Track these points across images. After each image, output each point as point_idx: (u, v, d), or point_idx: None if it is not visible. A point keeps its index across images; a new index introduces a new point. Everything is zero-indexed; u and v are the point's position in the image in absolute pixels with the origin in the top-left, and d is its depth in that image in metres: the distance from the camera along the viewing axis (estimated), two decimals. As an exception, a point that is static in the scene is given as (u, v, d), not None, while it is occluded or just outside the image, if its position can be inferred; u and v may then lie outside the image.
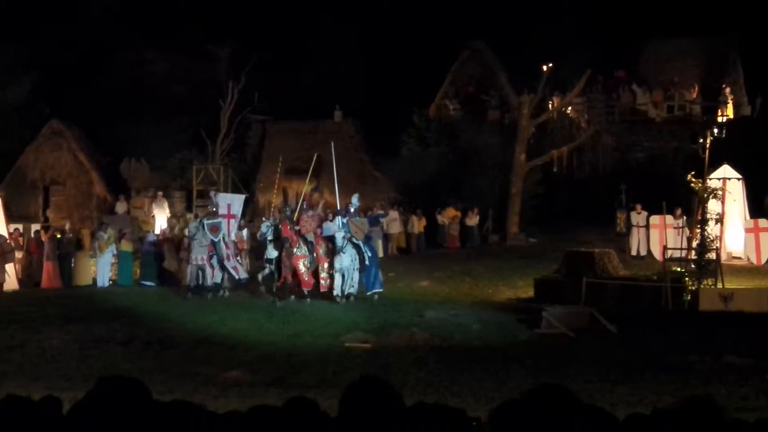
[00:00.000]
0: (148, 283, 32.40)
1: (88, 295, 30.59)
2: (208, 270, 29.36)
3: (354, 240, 28.65)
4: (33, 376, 19.61)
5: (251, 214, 40.32)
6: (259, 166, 45.82)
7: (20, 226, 36.13)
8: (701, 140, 31.34)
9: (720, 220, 30.50)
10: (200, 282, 29.44)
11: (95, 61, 46.15)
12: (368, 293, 28.92)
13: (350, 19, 49.30)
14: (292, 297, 28.37)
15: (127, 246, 33.56)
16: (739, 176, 34.45)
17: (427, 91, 48.29)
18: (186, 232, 31.10)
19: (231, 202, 32.53)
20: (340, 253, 28.17)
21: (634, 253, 36.11)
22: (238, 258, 30.63)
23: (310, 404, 5.28)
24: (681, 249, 30.92)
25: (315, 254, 28.63)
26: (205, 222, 30.02)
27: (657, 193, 34.46)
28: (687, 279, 28.04)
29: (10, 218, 35.41)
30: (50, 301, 29.08)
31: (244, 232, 33.68)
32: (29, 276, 33.65)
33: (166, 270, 32.84)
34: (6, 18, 44.34)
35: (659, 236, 34.41)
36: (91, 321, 25.37)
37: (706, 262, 28.69)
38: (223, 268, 29.75)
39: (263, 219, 31.85)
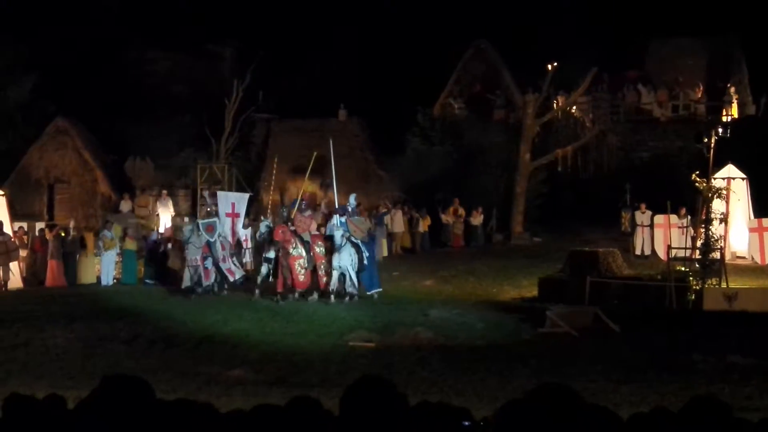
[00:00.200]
0: (149, 282, 32.47)
1: (93, 293, 30.59)
2: (201, 271, 29.25)
3: (353, 239, 28.59)
4: (37, 375, 19.66)
5: (255, 213, 40.34)
6: (263, 164, 45.80)
7: (25, 225, 36.16)
8: (706, 140, 31.35)
9: (724, 219, 30.45)
10: (195, 282, 29.31)
11: (100, 60, 46.19)
12: (368, 293, 28.86)
13: (355, 18, 49.31)
14: (293, 296, 28.28)
15: (131, 244, 33.58)
16: (744, 176, 34.41)
17: (432, 90, 48.27)
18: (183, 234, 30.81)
19: (235, 201, 32.54)
20: (338, 252, 28.13)
21: (638, 252, 36.07)
22: (234, 259, 30.50)
23: (313, 403, 5.28)
24: (685, 248, 30.90)
25: (312, 253, 28.57)
26: (200, 223, 29.94)
27: (661, 193, 34.44)
28: (691, 278, 28.03)
29: (14, 217, 35.44)
30: (54, 299, 29.09)
31: (248, 231, 33.67)
32: (34, 274, 33.69)
33: (170, 269, 32.82)
34: (9, 17, 44.37)
35: (663, 236, 34.39)
36: (95, 319, 25.39)
37: (710, 262, 28.68)
38: (218, 269, 29.64)
39: (261, 219, 31.82)
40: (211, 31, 46.46)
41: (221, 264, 29.58)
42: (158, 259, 33.18)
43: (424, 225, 39.87)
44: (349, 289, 28.31)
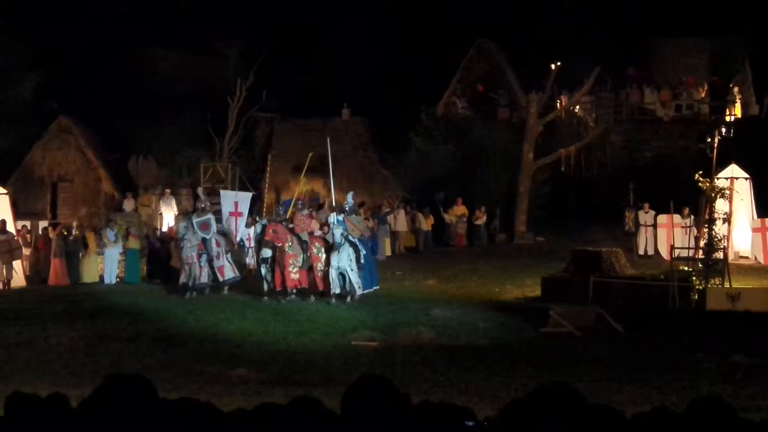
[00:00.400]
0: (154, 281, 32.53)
1: (95, 292, 30.60)
2: (196, 269, 29.22)
3: (350, 238, 28.54)
4: (40, 373, 19.65)
5: (258, 211, 40.38)
6: (266, 164, 45.83)
7: (28, 223, 36.18)
8: (709, 139, 31.36)
9: (727, 219, 30.43)
10: (188, 282, 29.28)
11: (103, 59, 46.19)
12: (365, 291, 28.76)
13: (358, 17, 49.30)
14: (294, 295, 28.25)
15: (134, 243, 33.59)
16: (747, 176, 34.43)
17: (436, 89, 48.28)
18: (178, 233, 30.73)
19: (238, 200, 32.52)
20: (337, 251, 28.09)
21: (641, 252, 36.09)
22: (228, 256, 30.44)
23: (315, 403, 5.29)
24: (688, 248, 30.90)
25: (309, 253, 28.52)
26: (195, 220, 29.90)
27: (665, 193, 34.43)
28: (694, 278, 28.02)
29: (17, 215, 35.47)
30: (57, 298, 29.11)
31: (251, 230, 33.65)
32: (37, 273, 33.70)
33: (172, 268, 32.80)
34: (13, 15, 44.38)
35: (667, 235, 34.35)
36: (98, 318, 25.42)
37: (713, 262, 28.66)
38: (211, 267, 29.60)
39: (257, 219, 31.77)
40: (215, 30, 46.44)
41: (214, 261, 29.54)
42: (161, 258, 33.17)
43: (427, 224, 39.87)
44: (350, 288, 28.23)
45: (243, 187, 38.60)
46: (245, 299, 28.26)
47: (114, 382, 5.09)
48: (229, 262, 30.13)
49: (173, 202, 40.90)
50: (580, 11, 47.69)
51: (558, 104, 45.50)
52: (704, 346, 21.33)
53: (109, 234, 33.41)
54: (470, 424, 5.61)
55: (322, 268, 28.47)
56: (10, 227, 32.69)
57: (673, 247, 30.58)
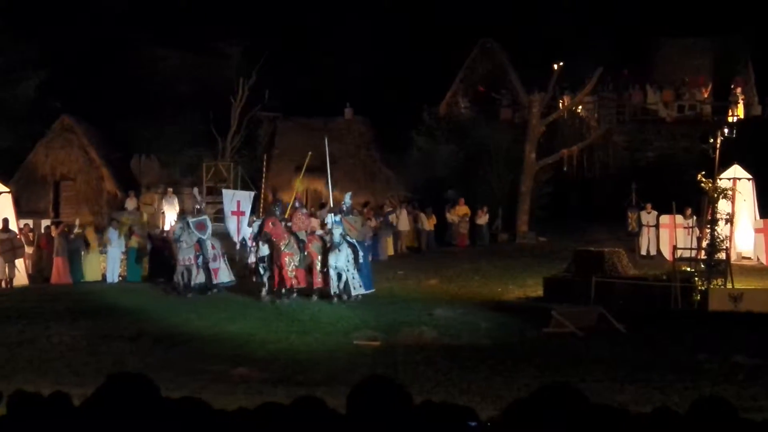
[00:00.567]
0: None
1: (98, 291, 30.62)
2: (194, 270, 29.24)
3: (348, 238, 28.49)
4: (42, 372, 19.66)
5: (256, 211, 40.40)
6: (269, 163, 45.84)
7: (30, 222, 36.18)
8: (711, 140, 31.27)
9: (730, 220, 30.42)
10: (185, 281, 29.30)
11: (106, 58, 46.22)
12: (365, 292, 28.63)
13: (361, 16, 49.31)
14: (294, 294, 28.22)
15: (136, 242, 33.59)
16: (750, 176, 34.42)
17: (438, 89, 48.31)
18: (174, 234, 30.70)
19: (240, 199, 32.52)
20: (335, 251, 28.05)
21: (643, 252, 36.09)
22: (224, 258, 30.43)
23: (318, 402, 5.29)
24: (691, 249, 30.86)
25: (306, 252, 28.48)
26: (191, 221, 29.89)
27: (667, 193, 34.43)
28: (696, 279, 28.00)
29: (20, 214, 35.48)
30: (60, 296, 29.13)
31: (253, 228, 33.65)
32: (39, 271, 33.70)
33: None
34: (16, 15, 44.42)
35: (669, 236, 34.36)
36: (100, 317, 25.43)
37: (715, 262, 28.62)
38: (206, 269, 29.59)
39: (253, 219, 31.75)
40: (217, 29, 46.49)
41: (210, 263, 29.54)
42: (163, 257, 33.17)
43: (429, 224, 39.87)
44: (345, 288, 28.13)
45: (245, 187, 38.62)
46: (247, 299, 28.25)
47: (116, 381, 5.09)
48: (225, 264, 30.12)
49: (175, 201, 40.91)
50: (582, 12, 47.67)
51: (560, 104, 45.52)
52: (706, 346, 21.32)
53: (112, 233, 33.42)
54: (473, 424, 5.61)
55: (320, 268, 28.45)
56: (13, 226, 32.70)
57: (675, 248, 30.57)
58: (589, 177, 43.63)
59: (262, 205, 32.94)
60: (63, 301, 28.17)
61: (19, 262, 32.35)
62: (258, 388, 17.79)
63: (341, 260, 27.91)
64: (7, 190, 34.39)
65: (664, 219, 35.16)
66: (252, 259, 32.21)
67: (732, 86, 46.89)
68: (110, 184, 43.74)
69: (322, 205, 37.23)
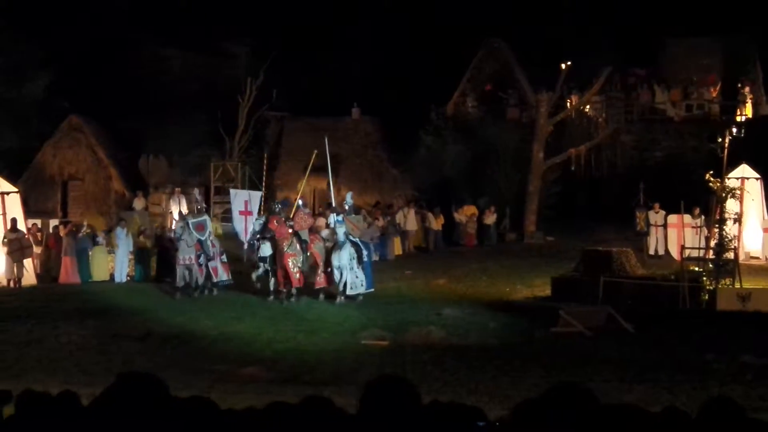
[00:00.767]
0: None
1: (106, 290, 30.65)
2: (196, 269, 29.27)
3: (351, 237, 28.47)
4: (51, 371, 19.71)
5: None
6: (276, 163, 45.87)
7: (39, 222, 36.24)
8: (720, 139, 31.25)
9: (738, 219, 30.37)
10: (188, 281, 29.32)
11: (114, 58, 46.25)
12: (366, 291, 28.59)
13: (368, 16, 49.31)
14: (293, 296, 28.16)
15: (145, 242, 33.63)
16: (758, 176, 34.40)
17: (445, 88, 48.28)
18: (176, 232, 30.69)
19: (248, 199, 32.55)
20: (338, 250, 28.02)
21: (651, 252, 36.06)
22: (223, 257, 30.46)
23: (326, 402, 5.29)
24: (699, 248, 30.84)
25: (309, 252, 28.46)
26: (190, 221, 29.92)
27: (675, 193, 34.39)
28: (705, 278, 27.97)
29: (28, 214, 35.54)
30: (68, 296, 29.19)
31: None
32: (47, 271, 33.76)
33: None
34: (24, 15, 44.48)
35: (677, 235, 34.32)
36: (109, 316, 25.47)
37: (723, 262, 28.59)
38: (207, 267, 29.61)
39: (246, 218, 31.72)
40: (225, 29, 46.52)
41: (210, 262, 29.57)
42: (171, 257, 33.18)
43: (437, 224, 39.86)
44: (359, 289, 28.11)
45: (253, 186, 38.63)
46: (255, 298, 28.26)
47: (126, 380, 5.10)
48: (223, 263, 30.14)
49: (183, 201, 40.91)
50: (590, 11, 47.60)
51: (568, 104, 45.47)
52: (714, 346, 21.30)
53: (120, 232, 33.46)
54: (481, 424, 5.60)
55: (324, 268, 28.44)
56: (21, 226, 32.75)
57: (683, 248, 30.56)
58: (596, 176, 43.58)
59: (262, 204, 32.97)
60: (71, 300, 28.23)
61: (28, 262, 32.40)
62: (266, 388, 17.81)
63: (344, 259, 27.89)
64: (16, 190, 34.43)
65: (672, 219, 35.12)
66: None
67: (740, 86, 46.81)
68: (118, 184, 43.77)
69: (329, 205, 37.22)
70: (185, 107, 44.72)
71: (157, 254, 33.37)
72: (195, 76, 47.16)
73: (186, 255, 29.03)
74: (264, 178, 34.17)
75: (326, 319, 25.50)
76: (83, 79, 44.83)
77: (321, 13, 49.23)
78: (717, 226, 29.53)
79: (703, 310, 26.70)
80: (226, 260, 30.32)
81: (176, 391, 5.73)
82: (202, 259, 29.30)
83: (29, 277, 32.35)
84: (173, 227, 36.14)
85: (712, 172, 29.86)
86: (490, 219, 40.58)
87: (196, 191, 35.52)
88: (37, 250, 33.47)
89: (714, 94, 47.15)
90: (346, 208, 29.47)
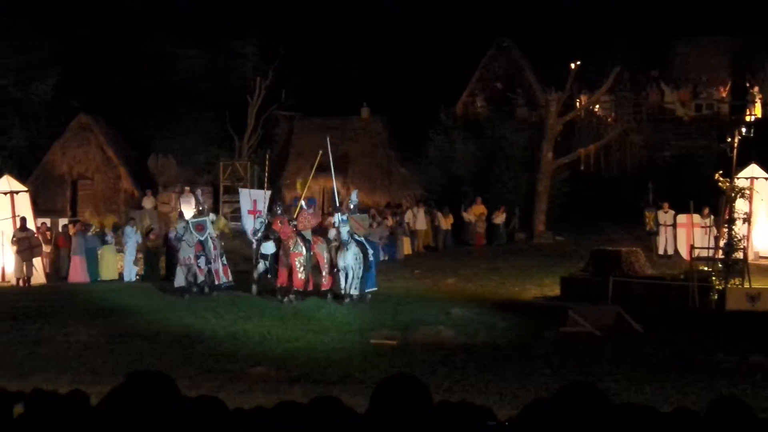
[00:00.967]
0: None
1: (115, 289, 30.69)
2: (196, 269, 29.26)
3: (356, 237, 28.40)
4: (60, 370, 19.71)
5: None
6: (286, 162, 45.90)
7: (48, 221, 36.32)
8: (729, 139, 31.24)
9: (747, 219, 30.35)
10: (189, 280, 29.31)
11: (123, 57, 46.31)
12: (367, 290, 28.53)
13: (378, 16, 49.32)
14: (294, 296, 28.06)
15: (154, 242, 33.68)
16: (767, 176, 34.30)
17: (455, 88, 48.31)
18: (176, 232, 30.68)
19: (257, 199, 32.56)
20: (344, 250, 27.96)
21: (661, 252, 36.03)
22: (224, 258, 30.44)
23: (335, 401, 5.28)
24: (708, 248, 30.83)
25: (312, 252, 28.43)
26: (191, 222, 29.94)
27: (684, 192, 34.36)
28: (714, 278, 27.96)
29: (37, 213, 35.61)
30: (77, 295, 29.22)
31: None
32: (56, 270, 33.84)
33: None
34: (33, 14, 44.55)
35: (686, 235, 34.29)
36: (117, 316, 25.50)
37: (733, 262, 28.57)
38: (208, 269, 29.59)
39: (254, 217, 31.68)
40: (234, 28, 46.57)
41: (212, 264, 29.55)
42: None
43: (446, 223, 39.86)
44: (353, 290, 28.01)
45: (262, 186, 38.66)
46: (264, 298, 28.26)
47: (135, 379, 5.09)
48: (224, 265, 30.11)
49: (192, 201, 40.93)
50: (599, 10, 47.55)
51: (577, 103, 45.45)
52: (724, 346, 21.26)
53: (129, 231, 33.50)
54: (491, 424, 5.60)
55: (328, 268, 28.40)
56: (31, 225, 32.83)
57: (692, 247, 30.54)
58: (606, 176, 43.52)
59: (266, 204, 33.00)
60: (80, 299, 28.26)
61: (37, 261, 32.49)
62: (275, 387, 17.81)
63: (349, 258, 27.82)
64: (25, 189, 34.53)
65: (682, 218, 35.09)
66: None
67: (749, 85, 46.75)
68: (127, 183, 43.81)
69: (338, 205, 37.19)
70: (195, 106, 44.80)
71: (166, 254, 33.42)
72: (204, 76, 47.22)
73: (187, 255, 29.04)
74: (266, 178, 34.16)
75: (335, 319, 25.49)
76: (93, 78, 44.88)
77: (330, 13, 49.25)
78: (726, 225, 29.52)
79: (712, 310, 26.69)
80: (226, 262, 30.31)
81: (185, 391, 5.72)
82: (201, 261, 29.24)
83: (38, 276, 32.44)
84: (175, 227, 36.24)
85: (721, 171, 29.85)
86: (500, 219, 40.55)
87: (198, 191, 35.50)
88: (46, 249, 33.55)
89: (723, 94, 47.07)
90: (351, 207, 29.41)
